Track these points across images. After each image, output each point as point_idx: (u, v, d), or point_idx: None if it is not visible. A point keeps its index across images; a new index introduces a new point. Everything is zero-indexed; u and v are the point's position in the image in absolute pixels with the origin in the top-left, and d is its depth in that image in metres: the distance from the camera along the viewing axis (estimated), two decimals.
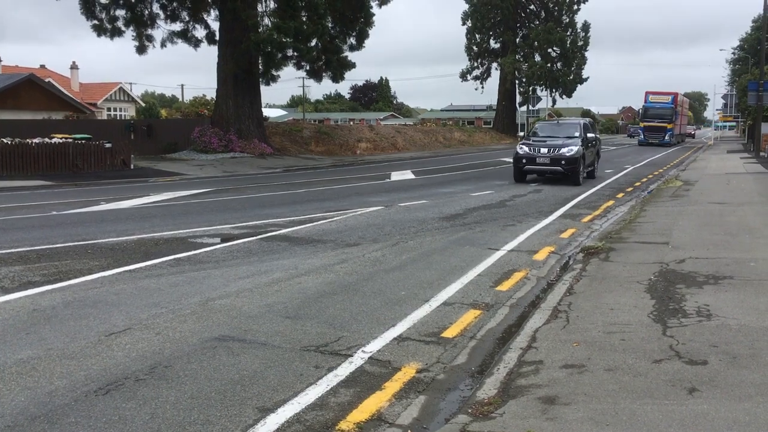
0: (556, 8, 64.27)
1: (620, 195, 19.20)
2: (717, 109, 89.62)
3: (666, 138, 55.52)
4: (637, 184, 22.87)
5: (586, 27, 64.03)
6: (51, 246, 10.45)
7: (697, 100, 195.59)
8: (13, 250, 10.03)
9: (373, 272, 8.89)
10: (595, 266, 8.96)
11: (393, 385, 5.14)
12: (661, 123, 55.66)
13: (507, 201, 17.16)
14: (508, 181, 22.46)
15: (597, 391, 4.74)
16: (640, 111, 59.49)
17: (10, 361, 5.47)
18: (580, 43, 63.49)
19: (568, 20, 64.26)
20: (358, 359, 5.65)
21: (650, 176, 26.12)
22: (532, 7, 67.24)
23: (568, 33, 63.35)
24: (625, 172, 28.45)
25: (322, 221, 13.29)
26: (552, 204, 16.53)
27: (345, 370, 5.41)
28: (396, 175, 26.19)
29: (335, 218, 13.70)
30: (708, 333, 5.96)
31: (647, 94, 58.84)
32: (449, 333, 6.42)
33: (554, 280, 8.59)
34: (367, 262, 9.54)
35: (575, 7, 63.95)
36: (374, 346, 5.97)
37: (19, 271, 8.64)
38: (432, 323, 6.71)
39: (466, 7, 65.16)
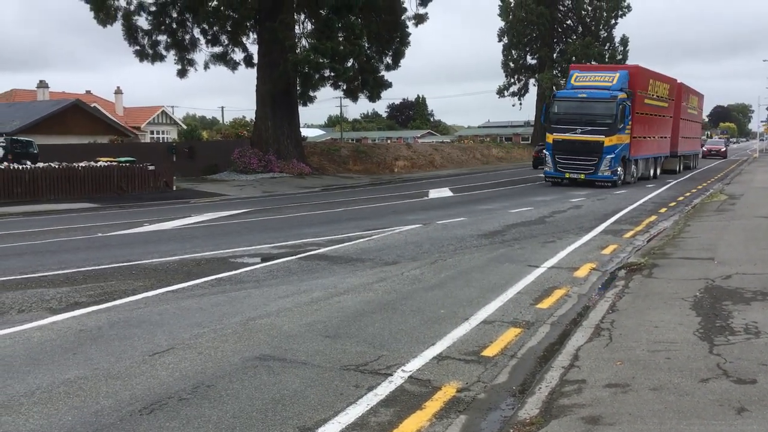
0: (594, 23, 63.80)
1: (663, 210, 18.87)
2: (762, 121, 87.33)
3: (602, 170, 26.49)
4: (681, 198, 22.45)
5: (624, 41, 63.40)
6: (97, 267, 10.69)
7: (741, 112, 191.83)
8: (60, 272, 10.28)
9: (412, 291, 8.88)
10: (638, 283, 8.81)
11: (433, 405, 5.11)
12: (589, 135, 26.35)
13: (546, 217, 17.00)
14: (547, 197, 22.27)
15: (642, 411, 4.64)
16: (546, 108, 28.59)
17: (58, 380, 5.60)
18: (618, 57, 62.81)
19: (605, 34, 63.71)
20: (398, 378, 5.64)
21: (694, 190, 25.63)
22: (569, 22, 66.89)
23: (606, 47, 62.80)
24: (667, 186, 27.97)
25: (360, 240, 13.34)
26: (592, 220, 16.32)
27: (385, 389, 5.40)
28: (434, 193, 26.17)
29: (374, 237, 13.74)
30: (757, 351, 5.80)
31: (572, 70, 29.99)
32: (489, 351, 6.37)
33: (596, 298, 8.47)
34: (406, 280, 9.53)
35: (613, 21, 63.43)
36: (414, 365, 5.95)
37: (66, 293, 8.85)
38: (472, 342, 6.67)
39: (501, 24, 65.16)
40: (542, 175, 29.81)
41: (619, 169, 27.03)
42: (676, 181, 30.84)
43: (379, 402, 5.15)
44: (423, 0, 36.01)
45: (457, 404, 5.15)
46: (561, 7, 65.58)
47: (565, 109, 27.53)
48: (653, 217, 17.04)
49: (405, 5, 35.93)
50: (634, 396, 4.92)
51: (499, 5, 63.29)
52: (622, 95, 26.83)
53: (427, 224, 15.67)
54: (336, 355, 6.21)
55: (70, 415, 4.91)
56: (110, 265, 10.82)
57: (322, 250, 12.19)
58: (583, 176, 26.84)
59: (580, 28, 65.18)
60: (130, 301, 8.35)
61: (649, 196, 23.01)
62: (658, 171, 33.39)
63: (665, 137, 33.73)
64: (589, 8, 63.70)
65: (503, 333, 6.96)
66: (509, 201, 21.56)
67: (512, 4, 62.43)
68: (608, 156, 26.42)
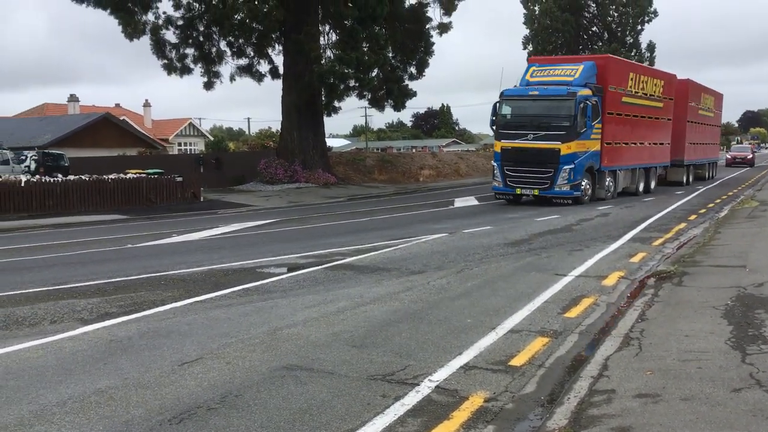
0: (620, 29, 63.42)
1: (693, 217, 18.62)
2: None
3: (559, 184, 22.01)
4: (711, 205, 22.14)
5: (651, 47, 63.00)
6: (126, 278, 10.83)
7: None
8: (91, 283, 10.43)
9: (438, 300, 8.86)
10: (667, 291, 8.70)
11: (461, 415, 5.09)
12: (542, 142, 22.07)
13: (573, 225, 16.86)
14: (575, 206, 22.07)
15: (673, 421, 4.58)
16: (494, 110, 23.58)
17: (89, 390, 5.68)
18: (645, 63, 62.35)
19: (632, 40, 63.29)
20: (425, 388, 5.62)
21: (724, 197, 25.26)
22: (594, 29, 66.54)
23: (633, 53, 62.32)
24: (697, 192, 27.61)
25: (386, 249, 13.35)
26: (621, 227, 16.15)
27: (412, 399, 5.39)
28: (459, 202, 26.11)
29: (399, 246, 13.74)
30: None
31: (530, 64, 25.21)
32: (517, 361, 6.33)
33: (625, 306, 8.37)
34: (432, 289, 9.52)
35: (639, 27, 62.98)
36: (441, 375, 5.93)
37: (96, 303, 8.98)
38: (499, 351, 6.63)
39: (526, 31, 65.03)
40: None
41: (583, 182, 22.50)
42: (705, 188, 30.42)
43: (406, 412, 5.14)
44: (447, 9, 36.07)
45: (484, 414, 5.12)
46: (586, 14, 65.29)
47: (515, 111, 23.02)
48: (683, 225, 16.82)
49: (429, 14, 36.06)
50: (665, 406, 4.85)
51: (523, 13, 63.18)
52: (584, 91, 22.16)
53: (452, 233, 15.64)
54: (363, 365, 6.22)
55: (102, 425, 4.97)
56: (139, 276, 10.96)
57: (348, 259, 12.23)
58: (536, 192, 22.54)
59: (606, 35, 64.80)
60: (159, 312, 8.45)
61: (679, 203, 22.73)
62: (653, 183, 28.35)
63: (661, 143, 28.76)
64: (615, 14, 63.34)
65: (531, 342, 6.92)
66: (535, 209, 21.40)
67: (537, 12, 62.28)
68: (566, 166, 21.83)
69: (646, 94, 26.68)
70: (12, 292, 9.76)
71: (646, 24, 63.12)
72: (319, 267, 11.47)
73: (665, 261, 11.44)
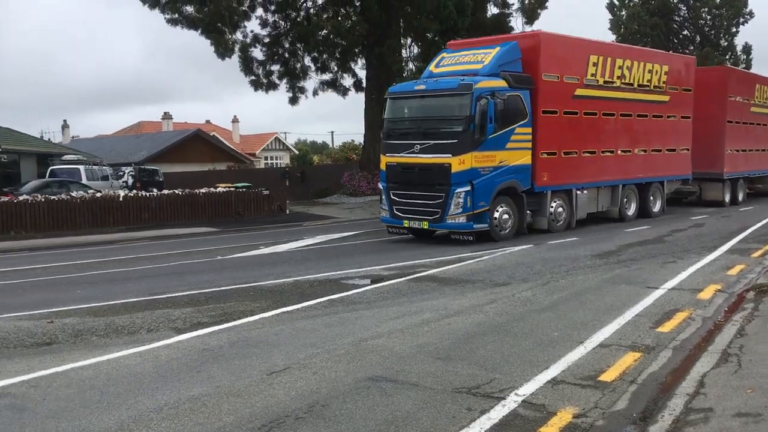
0: (713, 32, 60.95)
1: None
2: None
3: (451, 213, 15.25)
4: None
5: (747, 49, 60.14)
6: (217, 289, 11.19)
7: None
8: (184, 293, 10.84)
9: (523, 312, 8.73)
10: None
11: (548, 431, 4.99)
12: (430, 155, 15.54)
13: (665, 236, 16.27)
14: (665, 215, 21.28)
15: None
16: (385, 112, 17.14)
17: (184, 397, 5.89)
18: (741, 66, 59.62)
19: (726, 44, 60.70)
20: (511, 402, 5.55)
21: None
22: (685, 32, 64.21)
23: (728, 57, 59.75)
24: None
25: (469, 261, 13.26)
26: (716, 238, 15.47)
27: (498, 413, 5.33)
28: None
29: (483, 258, 13.62)
30: None
31: (443, 50, 19.03)
32: (607, 376, 6.15)
33: (722, 321, 8.00)
34: (517, 302, 9.39)
35: (733, 29, 60.34)
36: (527, 389, 5.84)
37: (189, 313, 9.32)
38: (588, 366, 6.47)
39: (613, 37, 63.42)
40: None
41: (498, 210, 15.93)
42: None
43: (492, 426, 5.08)
44: (529, 18, 35.60)
45: (573, 430, 5.00)
46: (676, 17, 63.06)
47: (400, 114, 16.95)
48: None
49: (511, 24, 35.66)
50: (767, 427, 4.61)
51: (609, 19, 61.63)
52: (488, 82, 15.60)
53: (538, 244, 15.37)
54: (448, 378, 6.19)
55: (196, 431, 5.15)
56: (229, 287, 11.30)
57: (431, 271, 12.22)
58: (425, 225, 15.98)
59: (698, 38, 62.38)
60: (248, 322, 8.68)
61: None
62: (658, 204, 21.12)
63: (671, 150, 21.25)
64: (708, 17, 60.91)
65: (621, 357, 6.71)
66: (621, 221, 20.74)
67: (624, 17, 60.62)
68: (460, 189, 15.24)
69: (629, 84, 19.40)
70: (112, 302, 10.27)
71: (741, 26, 60.41)
72: (403, 279, 11.52)
73: (766, 274, 10.87)
